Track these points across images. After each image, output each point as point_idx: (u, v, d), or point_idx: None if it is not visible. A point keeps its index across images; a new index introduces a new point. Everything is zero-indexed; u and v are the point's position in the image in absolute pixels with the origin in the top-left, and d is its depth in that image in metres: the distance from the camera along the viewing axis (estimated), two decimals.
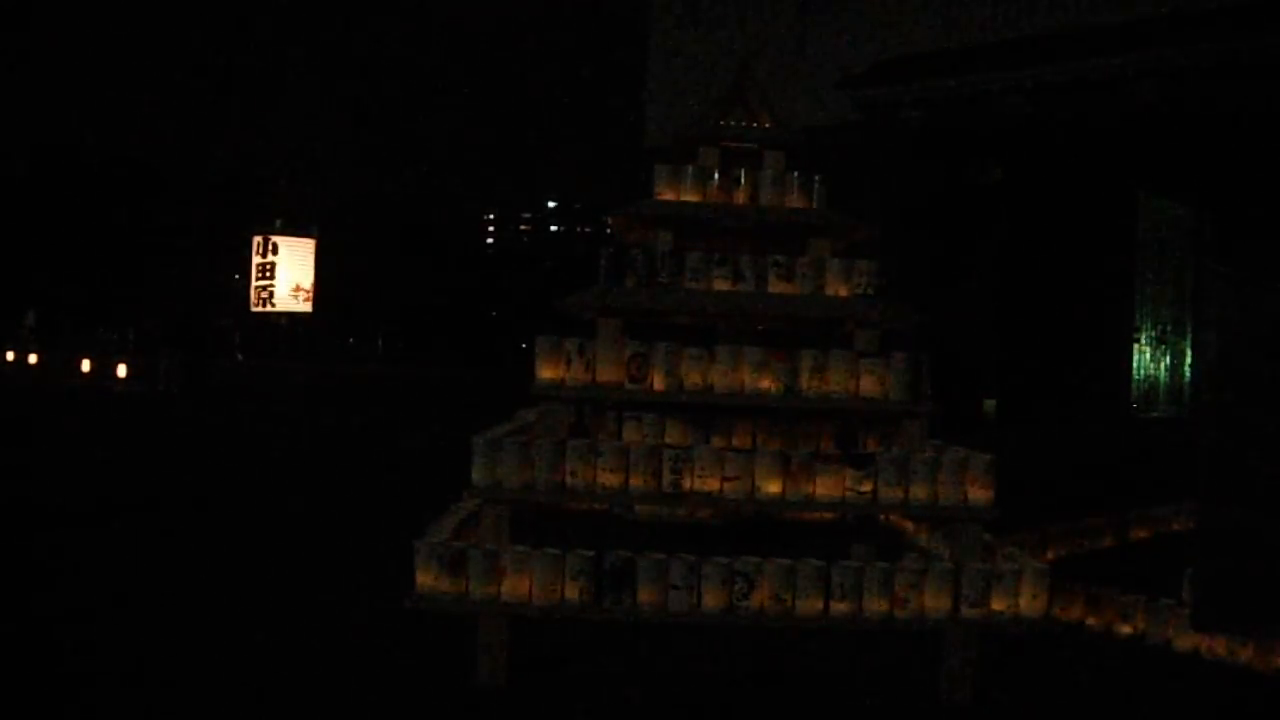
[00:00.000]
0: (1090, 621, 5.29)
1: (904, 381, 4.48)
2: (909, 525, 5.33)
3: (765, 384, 4.45)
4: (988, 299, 15.23)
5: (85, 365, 23.92)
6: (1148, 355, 16.62)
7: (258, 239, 28.08)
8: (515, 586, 4.10)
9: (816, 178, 5.06)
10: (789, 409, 4.88)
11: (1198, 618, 4.82)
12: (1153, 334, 16.68)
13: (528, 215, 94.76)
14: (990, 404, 15.19)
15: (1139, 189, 16.00)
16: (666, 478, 4.25)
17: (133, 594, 5.38)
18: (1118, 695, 4.49)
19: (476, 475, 4.26)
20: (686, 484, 4.25)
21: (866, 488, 4.28)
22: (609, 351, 4.48)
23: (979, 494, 4.29)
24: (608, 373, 4.46)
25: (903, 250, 13.24)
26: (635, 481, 4.25)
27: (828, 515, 5.56)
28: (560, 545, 4.21)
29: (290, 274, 27.78)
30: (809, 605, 4.10)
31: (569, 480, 4.25)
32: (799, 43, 16.22)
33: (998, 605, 4.17)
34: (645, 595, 4.10)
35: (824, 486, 4.28)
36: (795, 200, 5.00)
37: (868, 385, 4.48)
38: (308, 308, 27.94)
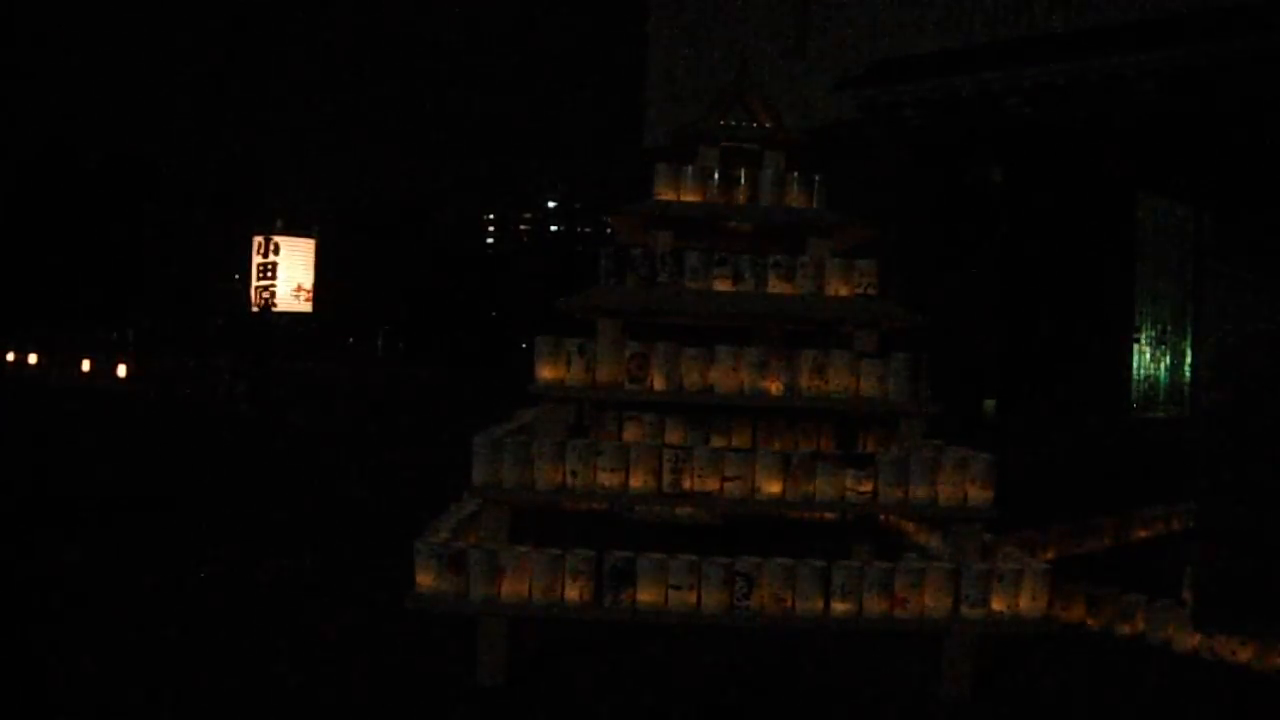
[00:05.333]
0: (1090, 621, 5.29)
1: (904, 381, 4.48)
2: (909, 525, 5.33)
3: (765, 384, 4.46)
4: (988, 299, 15.23)
5: (85, 365, 23.94)
6: (1148, 355, 16.60)
7: (258, 239, 28.03)
8: (515, 586, 4.10)
9: (816, 178, 5.06)
10: (789, 409, 4.88)
11: (1198, 618, 4.83)
12: (1153, 334, 16.66)
13: (528, 215, 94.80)
14: (990, 404, 15.20)
15: (1139, 189, 15.98)
16: (666, 478, 4.25)
17: (134, 592, 5.38)
18: (1118, 695, 4.49)
19: (476, 475, 4.26)
20: (686, 484, 4.25)
21: (866, 488, 4.28)
22: (609, 351, 4.48)
23: (979, 494, 4.29)
24: (608, 373, 4.46)
25: (902, 250, 13.24)
26: (635, 481, 4.25)
27: (828, 515, 5.56)
28: (560, 545, 4.21)
29: (291, 274, 27.75)
30: (809, 605, 4.10)
31: (569, 480, 4.25)
32: (799, 43, 16.22)
33: (998, 605, 4.17)
34: (645, 595, 4.10)
35: (824, 486, 4.28)
36: (795, 200, 5.00)
37: (868, 385, 4.49)
38: (308, 308, 27.95)
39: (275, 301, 25.23)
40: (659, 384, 4.45)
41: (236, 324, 17.46)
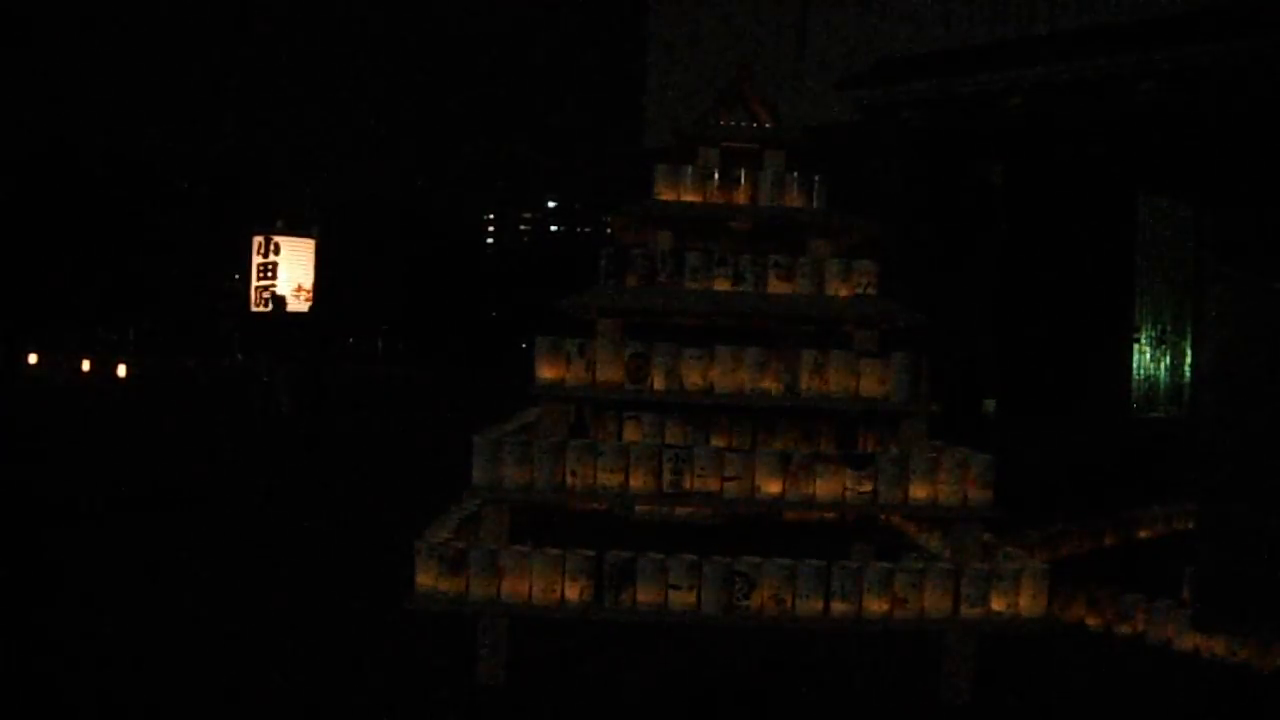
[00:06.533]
0: (1090, 621, 5.29)
1: (904, 381, 4.48)
2: (909, 525, 5.33)
3: (765, 384, 4.45)
4: (988, 299, 15.23)
5: (85, 365, 23.94)
6: (1148, 355, 16.60)
7: (258, 239, 28.12)
8: (515, 586, 4.10)
9: (816, 178, 5.05)
10: (789, 409, 4.88)
11: (1198, 618, 4.83)
12: (1153, 334, 16.66)
13: (528, 215, 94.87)
14: (990, 404, 15.19)
15: (1139, 189, 15.99)
16: (666, 478, 4.25)
17: (134, 592, 5.38)
18: (1118, 695, 4.49)
19: (476, 475, 4.26)
20: (686, 484, 4.25)
21: (866, 488, 4.28)
22: (609, 351, 4.48)
23: (979, 494, 4.29)
24: (608, 373, 4.46)
25: (902, 250, 13.23)
26: (635, 481, 4.25)
27: (828, 515, 5.56)
28: (560, 545, 4.21)
29: (291, 274, 27.79)
30: (809, 605, 4.10)
31: (569, 480, 4.25)
32: (799, 43, 16.23)
33: (998, 605, 4.17)
34: (645, 595, 4.10)
35: (824, 486, 4.28)
36: (795, 200, 5.00)
37: (868, 385, 4.48)
38: (303, 307, 27.99)
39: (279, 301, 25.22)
40: (659, 384, 4.44)
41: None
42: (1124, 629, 5.17)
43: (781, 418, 5.21)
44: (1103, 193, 15.17)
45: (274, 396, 15.40)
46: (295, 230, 29.09)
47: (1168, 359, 16.98)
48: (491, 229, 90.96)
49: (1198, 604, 4.84)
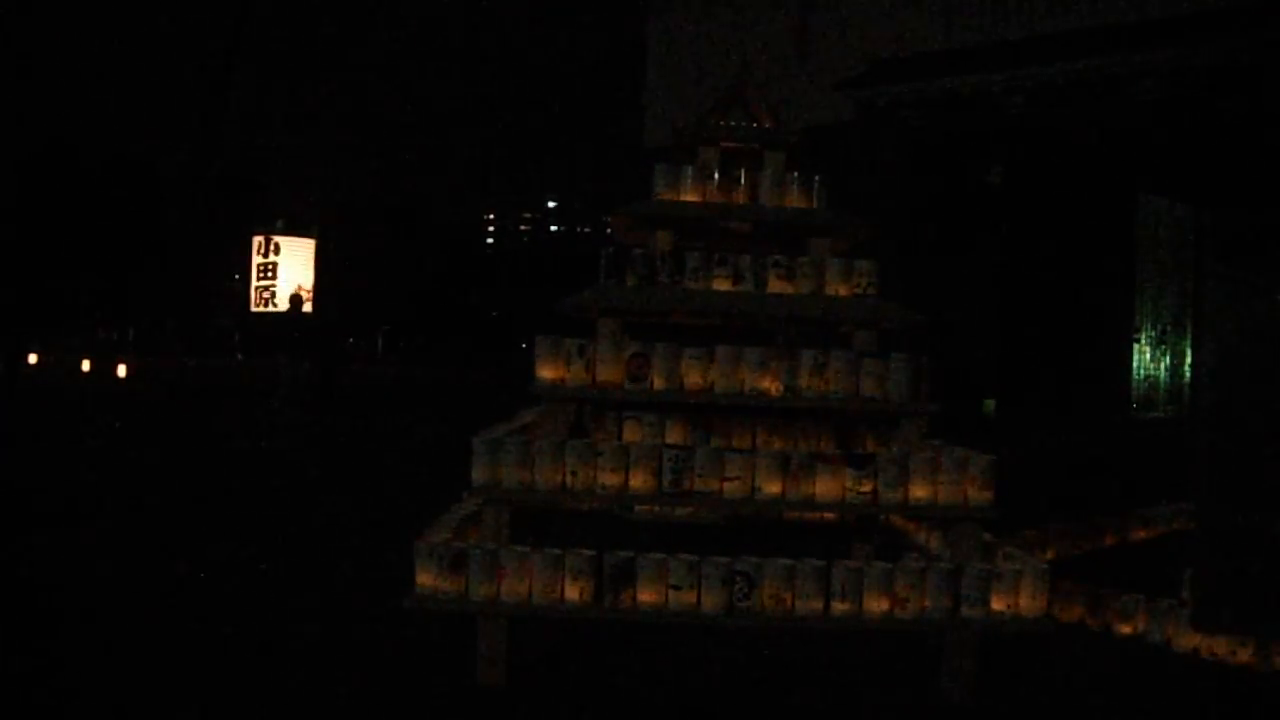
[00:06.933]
0: (1090, 621, 5.29)
1: (904, 381, 4.48)
2: (909, 525, 5.33)
3: (765, 384, 4.45)
4: (988, 299, 15.24)
5: (85, 365, 23.95)
6: (1148, 355, 16.59)
7: (258, 239, 28.16)
8: (515, 586, 4.10)
9: (816, 178, 5.05)
10: (789, 409, 4.88)
11: (1198, 618, 4.82)
12: (1153, 334, 16.65)
13: (528, 215, 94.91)
14: (990, 404, 15.19)
15: (1139, 189, 15.99)
16: (666, 478, 4.25)
17: (134, 592, 5.38)
18: (1118, 695, 4.49)
19: (476, 475, 4.26)
20: (686, 484, 4.25)
21: (866, 488, 4.28)
22: (609, 351, 4.48)
23: (979, 494, 4.29)
24: (608, 373, 4.46)
25: (903, 251, 13.24)
26: (635, 481, 4.25)
27: (828, 515, 5.56)
28: (560, 545, 4.21)
29: (291, 274, 27.79)
30: (809, 605, 4.10)
31: (569, 480, 4.25)
32: (799, 43, 16.23)
33: (998, 605, 4.17)
34: (645, 595, 4.10)
35: (824, 486, 4.28)
36: (795, 200, 5.00)
37: (868, 385, 4.48)
38: (308, 308, 27.99)
39: (275, 302, 25.21)
40: (659, 384, 4.44)
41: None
42: (1124, 629, 5.17)
43: (781, 418, 5.21)
44: (1103, 193, 15.16)
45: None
46: (295, 230, 29.08)
47: (1168, 359, 16.98)
48: (491, 229, 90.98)
49: (1198, 604, 4.84)
